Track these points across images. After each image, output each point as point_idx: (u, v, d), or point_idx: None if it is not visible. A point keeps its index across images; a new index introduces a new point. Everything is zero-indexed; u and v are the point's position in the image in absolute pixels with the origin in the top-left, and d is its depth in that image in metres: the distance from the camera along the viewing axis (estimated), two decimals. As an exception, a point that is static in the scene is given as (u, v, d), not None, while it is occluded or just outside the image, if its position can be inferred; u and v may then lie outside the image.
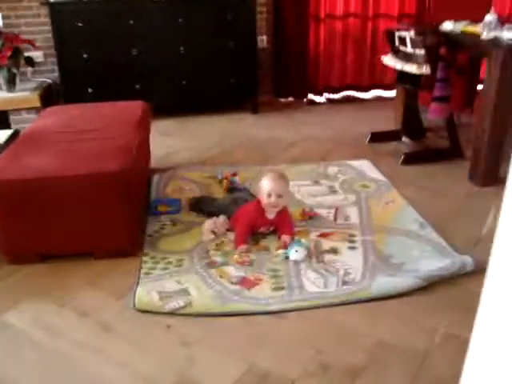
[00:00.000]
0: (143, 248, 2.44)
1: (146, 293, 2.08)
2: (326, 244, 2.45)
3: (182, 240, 2.51)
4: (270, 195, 2.37)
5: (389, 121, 4.32)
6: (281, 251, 2.36)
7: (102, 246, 2.36)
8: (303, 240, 2.38)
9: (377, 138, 3.91)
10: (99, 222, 2.27)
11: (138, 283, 2.15)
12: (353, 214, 2.75)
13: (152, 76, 4.34)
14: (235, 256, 2.34)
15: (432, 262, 2.26)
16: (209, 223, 2.54)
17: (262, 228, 2.49)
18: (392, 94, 5.26)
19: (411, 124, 3.94)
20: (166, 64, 4.34)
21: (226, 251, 2.40)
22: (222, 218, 2.56)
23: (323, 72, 5.16)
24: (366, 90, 5.33)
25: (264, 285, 2.14)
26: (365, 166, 3.42)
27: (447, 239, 2.45)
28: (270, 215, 2.45)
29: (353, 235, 2.53)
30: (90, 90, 4.25)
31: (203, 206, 2.74)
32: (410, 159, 3.48)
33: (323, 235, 2.53)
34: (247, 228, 2.44)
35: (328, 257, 2.34)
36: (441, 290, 2.11)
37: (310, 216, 2.69)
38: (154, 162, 3.46)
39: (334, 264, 2.28)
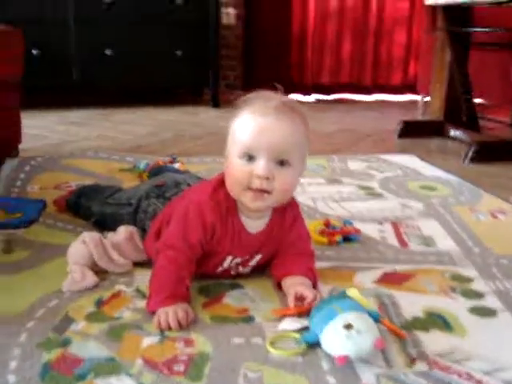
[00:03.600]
0: None
1: None
2: (411, 302, 0.89)
3: (12, 288, 0.89)
4: (251, 157, 0.80)
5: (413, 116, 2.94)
6: (288, 323, 0.78)
7: None
8: (352, 291, 0.81)
9: (412, 129, 2.45)
10: None
11: None
12: (436, 233, 1.21)
13: (54, 40, 2.80)
14: (144, 343, 0.75)
15: None
16: (84, 242, 0.93)
17: (228, 261, 0.90)
18: (402, 98, 3.94)
19: (461, 108, 2.50)
20: (80, 21, 2.81)
21: (120, 325, 0.79)
22: (122, 233, 0.97)
23: (312, 64, 3.77)
24: (367, 91, 3.95)
25: None
26: (412, 162, 1.92)
27: None
28: (253, 223, 0.88)
29: (464, 278, 0.98)
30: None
31: (87, 202, 1.15)
32: (484, 154, 2.01)
33: (390, 279, 0.97)
34: (185, 258, 0.85)
35: (435, 342, 0.77)
36: None
37: (344, 236, 1.13)
38: (27, 151, 1.86)
39: (463, 364, 0.71)
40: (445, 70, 2.53)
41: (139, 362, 0.70)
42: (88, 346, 0.73)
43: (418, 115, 3.25)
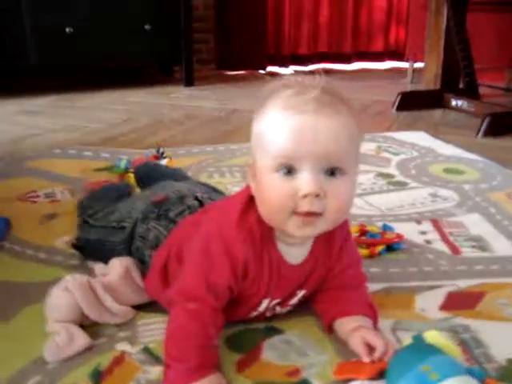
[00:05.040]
0: None
1: None
2: (496, 336, 0.70)
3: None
4: (291, 170, 0.58)
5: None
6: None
7: None
8: (433, 335, 0.61)
9: (411, 101, 2.26)
10: None
11: None
12: (485, 231, 1.02)
13: (10, 16, 2.46)
14: None
15: None
16: (67, 289, 0.70)
17: (265, 304, 0.68)
18: (383, 66, 3.75)
19: (459, 75, 2.32)
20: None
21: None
22: (116, 269, 0.74)
23: (289, 34, 3.52)
24: (347, 60, 3.73)
25: None
26: (423, 139, 1.73)
27: None
28: (295, 251, 0.66)
29: (546, 296, 0.80)
30: None
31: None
32: (497, 126, 1.84)
33: (459, 302, 0.78)
34: (211, 310, 0.62)
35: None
36: None
37: (388, 245, 0.93)
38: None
39: None
40: (441, 34, 2.34)
41: None
42: None
43: (407, 83, 3.06)
